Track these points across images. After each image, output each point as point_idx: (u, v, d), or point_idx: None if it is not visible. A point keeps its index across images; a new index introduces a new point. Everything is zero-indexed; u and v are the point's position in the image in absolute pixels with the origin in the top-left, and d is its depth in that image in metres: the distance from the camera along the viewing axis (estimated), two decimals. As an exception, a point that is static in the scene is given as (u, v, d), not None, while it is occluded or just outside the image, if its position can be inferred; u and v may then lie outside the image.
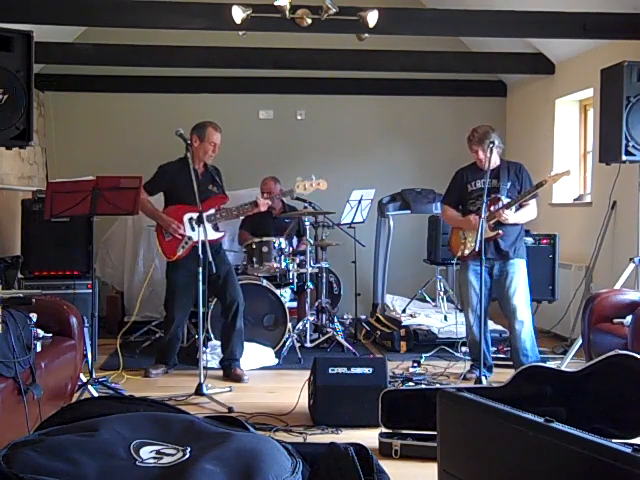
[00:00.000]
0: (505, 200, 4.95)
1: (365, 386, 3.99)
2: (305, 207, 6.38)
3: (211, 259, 4.53)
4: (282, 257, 5.91)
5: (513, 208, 4.94)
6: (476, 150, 5.04)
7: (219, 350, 5.40)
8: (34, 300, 3.39)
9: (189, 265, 4.95)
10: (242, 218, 6.68)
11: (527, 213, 5.08)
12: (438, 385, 4.84)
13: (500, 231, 4.94)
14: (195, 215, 5.00)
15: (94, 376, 4.53)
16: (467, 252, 5.06)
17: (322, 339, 6.16)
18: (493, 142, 4.77)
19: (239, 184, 7.50)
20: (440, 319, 6.40)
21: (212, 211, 5.14)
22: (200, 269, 4.54)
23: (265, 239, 5.93)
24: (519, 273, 5.04)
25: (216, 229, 5.23)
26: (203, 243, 4.58)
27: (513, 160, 5.41)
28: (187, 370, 5.26)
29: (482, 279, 4.76)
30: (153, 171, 5.29)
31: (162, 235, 5.18)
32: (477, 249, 4.79)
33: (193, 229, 5.08)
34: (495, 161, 5.01)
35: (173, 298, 5.24)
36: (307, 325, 6.14)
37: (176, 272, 5.20)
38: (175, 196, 5.18)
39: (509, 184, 5.03)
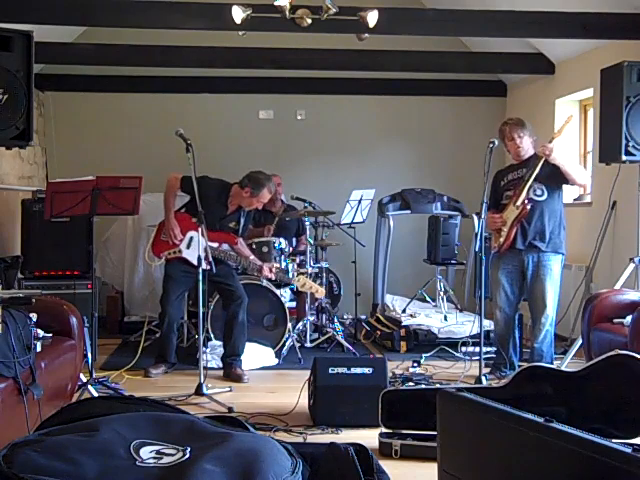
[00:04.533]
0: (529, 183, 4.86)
1: (365, 386, 3.99)
2: (305, 207, 6.38)
3: (211, 259, 4.55)
4: (282, 257, 5.91)
5: (538, 191, 4.88)
6: (511, 139, 5.02)
7: (219, 350, 5.40)
8: (34, 300, 3.39)
9: (184, 263, 5.16)
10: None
11: (577, 167, 4.96)
12: (438, 385, 4.84)
13: (528, 206, 4.83)
14: (197, 237, 4.90)
15: (94, 376, 4.53)
16: (501, 240, 5.00)
17: (322, 339, 6.16)
18: (493, 142, 4.75)
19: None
20: (440, 319, 6.40)
21: (215, 245, 5.16)
22: (200, 269, 4.54)
23: (265, 239, 5.94)
24: (551, 273, 4.95)
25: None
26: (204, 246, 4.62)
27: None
28: (187, 370, 5.26)
29: (483, 273, 4.76)
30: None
31: (161, 232, 5.27)
32: (503, 243, 4.90)
33: (188, 247, 5.20)
34: (527, 151, 5.02)
35: (167, 292, 5.29)
36: (307, 325, 6.14)
37: (172, 267, 5.28)
38: (195, 209, 5.00)
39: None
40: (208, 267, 4.55)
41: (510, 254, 5.05)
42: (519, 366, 5.35)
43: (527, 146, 5.03)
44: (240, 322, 5.28)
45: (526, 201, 4.86)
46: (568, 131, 7.13)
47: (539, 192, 4.92)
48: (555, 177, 4.91)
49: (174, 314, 5.33)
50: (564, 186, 5.04)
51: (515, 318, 5.19)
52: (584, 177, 5.02)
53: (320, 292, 5.71)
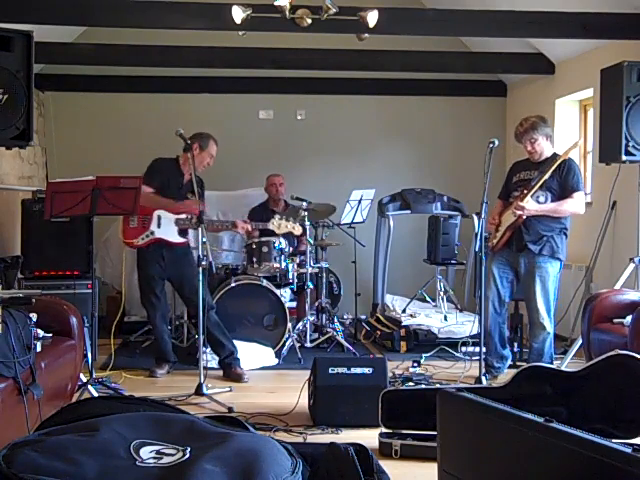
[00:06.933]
0: (533, 191, 4.83)
1: (365, 386, 3.99)
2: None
3: (211, 259, 4.54)
4: (282, 257, 5.91)
5: (541, 198, 4.85)
6: (524, 145, 5.00)
7: (219, 350, 5.40)
8: (34, 300, 3.39)
9: (158, 257, 5.20)
10: (247, 215, 6.71)
11: (562, 205, 4.86)
12: (438, 385, 4.84)
13: (523, 215, 4.82)
14: (165, 215, 5.18)
15: (94, 376, 4.53)
16: (495, 241, 5.05)
17: (322, 339, 6.16)
18: (493, 142, 4.74)
19: (239, 184, 7.53)
20: (440, 319, 6.40)
21: (183, 216, 5.20)
22: (200, 269, 4.54)
23: (265, 239, 5.94)
24: (545, 275, 4.91)
25: (182, 235, 5.26)
26: (204, 243, 4.61)
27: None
28: (187, 370, 5.26)
29: (483, 272, 4.77)
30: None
31: (128, 220, 5.22)
32: (497, 243, 4.89)
33: (159, 226, 5.19)
34: (542, 153, 4.97)
35: (147, 293, 5.27)
36: (307, 325, 6.13)
37: (147, 266, 5.25)
38: (160, 192, 5.22)
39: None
40: (207, 265, 4.53)
41: (506, 252, 5.06)
42: (514, 363, 5.37)
43: (541, 149, 4.96)
44: (214, 324, 5.22)
45: (522, 215, 4.85)
46: (568, 131, 7.18)
47: (542, 199, 4.88)
48: (561, 189, 4.89)
49: (160, 314, 5.30)
50: None
51: (503, 312, 5.14)
52: (574, 208, 4.91)
53: (297, 229, 5.60)
